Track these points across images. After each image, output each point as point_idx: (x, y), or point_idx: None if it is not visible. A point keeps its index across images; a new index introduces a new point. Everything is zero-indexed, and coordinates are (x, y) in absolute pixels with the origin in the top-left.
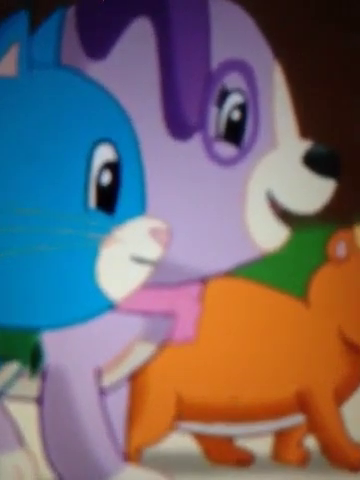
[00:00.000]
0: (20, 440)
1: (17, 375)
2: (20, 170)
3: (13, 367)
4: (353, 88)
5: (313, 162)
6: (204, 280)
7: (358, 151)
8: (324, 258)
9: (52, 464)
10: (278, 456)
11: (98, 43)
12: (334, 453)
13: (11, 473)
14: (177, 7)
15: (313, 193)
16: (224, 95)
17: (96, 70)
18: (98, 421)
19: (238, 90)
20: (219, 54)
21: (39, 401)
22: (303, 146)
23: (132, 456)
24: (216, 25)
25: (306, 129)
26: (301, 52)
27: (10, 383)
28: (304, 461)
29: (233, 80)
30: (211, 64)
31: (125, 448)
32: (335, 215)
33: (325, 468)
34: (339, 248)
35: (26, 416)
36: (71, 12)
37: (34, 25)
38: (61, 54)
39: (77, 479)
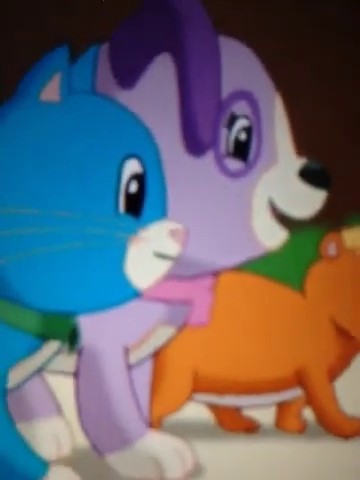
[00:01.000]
0: (58, 409)
1: (57, 352)
2: (63, 180)
3: (54, 345)
4: (340, 111)
5: (307, 175)
6: (216, 273)
7: (345, 165)
8: (317, 256)
9: (86, 431)
10: (280, 424)
11: (127, 74)
12: (328, 423)
13: (49, 438)
14: (193, 45)
15: (307, 201)
16: (233, 119)
17: (126, 97)
18: (126, 393)
19: (244, 116)
20: (229, 85)
21: (75, 375)
22: (299, 162)
23: (154, 424)
24: (226, 61)
25: (301, 148)
26: (298, 85)
27: (51, 359)
28: (302, 429)
29: (240, 107)
30: (222, 93)
31: (148, 417)
32: (326, 219)
33: (320, 435)
34: (330, 248)
35: (64, 389)
36: (104, 48)
37: (73, 58)
38: (96, 83)
39: (108, 444)
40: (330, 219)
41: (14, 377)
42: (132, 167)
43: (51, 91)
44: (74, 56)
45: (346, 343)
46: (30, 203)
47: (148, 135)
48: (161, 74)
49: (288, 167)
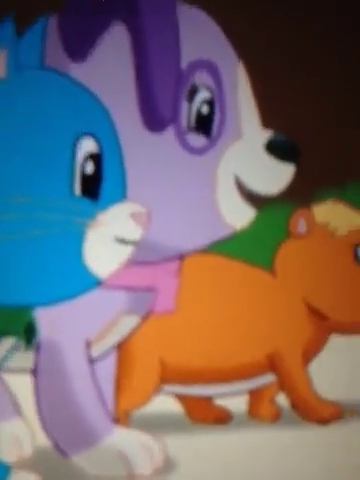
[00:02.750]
0: (17, 409)
1: (13, 349)
2: (11, 163)
3: (9, 341)
4: (307, 83)
5: (274, 149)
6: (181, 257)
7: (314, 138)
8: (287, 234)
9: (47, 431)
10: (253, 413)
11: (79, 47)
12: (303, 408)
13: (9, 440)
14: (148, 13)
15: (275, 176)
16: (194, 91)
17: (78, 71)
18: (89, 388)
19: (206, 87)
20: (188, 55)
21: (34, 372)
22: (265, 135)
23: (121, 419)
24: (185, 30)
25: (267, 120)
26: (261, 53)
27: (7, 356)
28: (276, 417)
29: (201, 78)
30: (181, 64)
31: (114, 412)
32: (295, 195)
33: (295, 422)
34: (300, 225)
35: (22, 387)
36: (53, 20)
37: (20, 32)
38: (45, 58)
39: (71, 443)
40: (299, 195)
41: None
42: (87, 146)
43: None
44: (21, 29)
45: (319, 324)
46: None
47: (103, 111)
48: (115, 45)
49: (254, 141)
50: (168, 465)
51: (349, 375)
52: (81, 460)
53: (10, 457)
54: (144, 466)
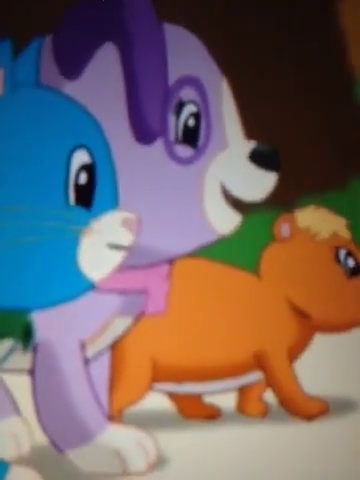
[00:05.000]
0: (15, 408)
1: (11, 350)
2: (9, 174)
3: (7, 343)
4: (287, 97)
5: (257, 158)
6: (171, 261)
7: (295, 149)
8: (271, 238)
9: (44, 428)
10: (242, 409)
11: (72, 65)
12: (289, 405)
13: (8, 438)
14: (137, 33)
15: (259, 184)
16: (180, 106)
17: (71, 88)
18: (83, 387)
19: (192, 101)
20: (175, 72)
21: (31, 372)
22: (249, 146)
23: (115, 416)
24: (171, 48)
25: (250, 132)
26: (243, 69)
27: (5, 358)
28: (264, 413)
29: (188, 93)
30: (169, 80)
31: (108, 410)
32: (278, 202)
33: (283, 418)
34: (283, 229)
35: (20, 387)
36: (48, 40)
37: (16, 51)
38: (40, 76)
39: (67, 440)
40: (282, 201)
41: None
42: (81, 158)
43: None
44: (18, 49)
45: (304, 323)
46: None
47: (95, 125)
48: (106, 63)
49: (238, 151)
50: (161, 461)
51: (332, 372)
52: (76, 457)
53: (9, 454)
54: (138, 462)
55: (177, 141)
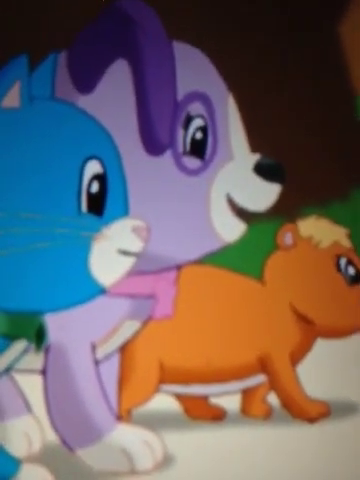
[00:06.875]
0: (28, 407)
1: (24, 351)
2: (25, 182)
3: (21, 344)
4: (291, 111)
5: (262, 170)
6: (178, 267)
7: (298, 161)
8: (274, 246)
9: (55, 427)
10: (246, 411)
11: (85, 80)
12: (292, 407)
13: (20, 436)
14: (148, 51)
15: (263, 195)
16: (189, 120)
17: (84, 102)
18: (93, 388)
19: (200, 116)
20: (184, 88)
21: (43, 372)
22: (253, 158)
23: (123, 416)
24: (180, 65)
25: (255, 145)
26: (249, 85)
27: (18, 358)
28: (268, 414)
29: (196, 108)
30: (177, 95)
31: (117, 410)
32: (282, 212)
33: (286, 420)
34: (286, 238)
35: (33, 386)
36: (63, 55)
37: (33, 66)
38: (55, 89)
39: (77, 439)
40: (285, 211)
41: None
42: (93, 168)
43: (12, 98)
44: (34, 64)
45: (306, 328)
46: None
47: (108, 137)
48: (118, 79)
49: (243, 163)
50: (167, 460)
51: (334, 375)
52: (86, 455)
53: (20, 452)
54: (145, 461)
55: (185, 153)
